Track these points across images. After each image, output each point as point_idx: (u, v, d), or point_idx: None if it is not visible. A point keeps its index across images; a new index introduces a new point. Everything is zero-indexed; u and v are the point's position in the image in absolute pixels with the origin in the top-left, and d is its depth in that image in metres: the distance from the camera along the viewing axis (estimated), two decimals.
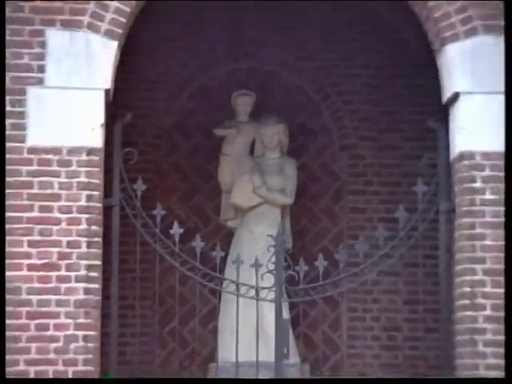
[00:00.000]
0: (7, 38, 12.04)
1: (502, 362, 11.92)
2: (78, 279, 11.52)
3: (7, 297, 11.92)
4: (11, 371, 11.91)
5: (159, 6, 13.93)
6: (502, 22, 12.24)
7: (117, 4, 12.12)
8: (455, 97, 11.95)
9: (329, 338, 15.13)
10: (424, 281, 13.66)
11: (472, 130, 11.89)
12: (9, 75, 11.82)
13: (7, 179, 11.87)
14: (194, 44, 15.44)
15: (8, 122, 11.74)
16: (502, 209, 11.85)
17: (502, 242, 11.85)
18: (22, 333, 11.72)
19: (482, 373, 12.10)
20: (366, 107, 15.61)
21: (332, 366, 15.15)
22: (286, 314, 13.28)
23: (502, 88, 12.06)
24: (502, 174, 11.85)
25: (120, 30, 11.93)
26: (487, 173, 11.72)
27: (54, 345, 11.76)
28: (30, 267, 11.58)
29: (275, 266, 12.53)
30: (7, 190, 11.84)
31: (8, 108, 11.77)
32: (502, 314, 12.05)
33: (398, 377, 9.85)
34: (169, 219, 12.61)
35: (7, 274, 11.81)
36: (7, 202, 11.82)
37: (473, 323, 11.87)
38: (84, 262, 11.52)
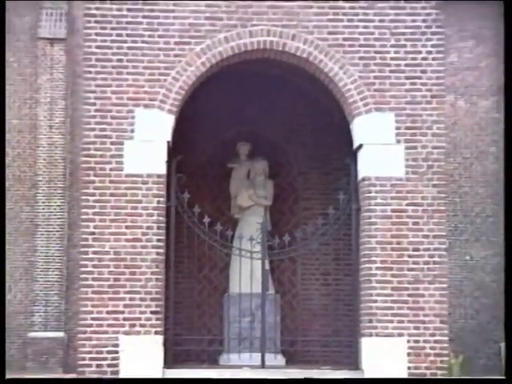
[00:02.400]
0: (113, 110, 12.85)
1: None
2: (152, 246, 12.56)
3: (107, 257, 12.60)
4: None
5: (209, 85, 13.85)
6: (391, 102, 13.05)
7: (176, 89, 12.84)
8: (360, 146, 13.01)
9: (291, 280, 15.52)
10: (343, 248, 14.45)
11: (369, 165, 12.91)
12: (114, 134, 12.75)
13: (112, 191, 12.73)
14: (220, 116, 15.37)
15: (114, 159, 12.70)
16: (388, 207, 12.81)
17: (388, 226, 12.77)
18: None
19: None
20: (311, 152, 15.88)
21: (292, 295, 15.53)
22: (267, 266, 14.09)
23: (387, 141, 12.94)
24: (387, 189, 12.82)
25: (176, 109, 12.84)
26: (378, 188, 12.78)
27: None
28: (127, 240, 12.56)
29: (261, 239, 13.73)
30: (113, 197, 12.72)
31: (113, 152, 12.73)
32: (390, 276, 12.73)
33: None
34: (202, 214, 13.37)
35: (110, 243, 12.61)
36: (114, 204, 12.70)
37: (369, 275, 12.76)
38: (155, 237, 12.59)
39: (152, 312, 12.47)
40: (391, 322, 12.56)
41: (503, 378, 6.19)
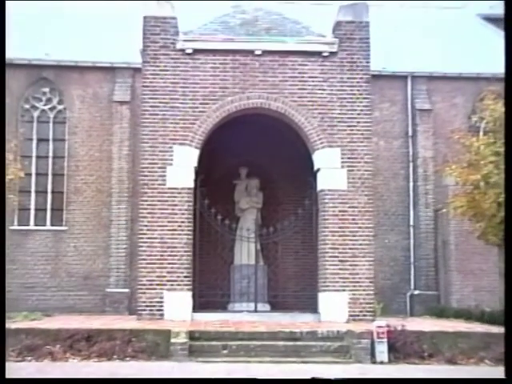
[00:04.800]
0: (158, 148, 12.88)
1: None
2: (184, 234, 12.69)
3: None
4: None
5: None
6: (338, 141, 12.95)
7: (200, 133, 12.86)
8: (318, 169, 13.12)
9: (274, 256, 15.36)
10: (310, 236, 13.87)
11: (324, 181, 13.01)
12: (160, 162, 12.81)
13: (159, 198, 12.73)
14: (228, 150, 14.56)
15: (160, 178, 12.75)
16: (336, 209, 12.81)
17: (335, 221, 12.73)
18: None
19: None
20: (287, 173, 15.33)
21: (275, 266, 15.19)
22: (258, 247, 14.28)
23: (335, 166, 12.86)
24: (335, 197, 12.82)
25: (200, 145, 12.97)
26: (329, 196, 12.90)
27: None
28: (168, 229, 12.64)
29: (255, 229, 14.05)
30: (159, 202, 12.70)
31: (160, 173, 12.79)
32: (337, 253, 12.69)
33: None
34: (216, 213, 13.28)
35: (158, 232, 12.57)
36: (160, 206, 12.68)
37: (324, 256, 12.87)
38: (186, 228, 12.73)
39: (184, 276, 12.70)
40: (338, 282, 12.78)
41: (503, 378, 5.06)
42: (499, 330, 11.14)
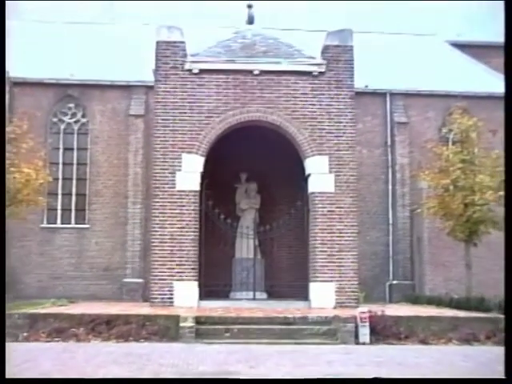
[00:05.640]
0: (169, 156, 12.70)
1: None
2: (191, 231, 12.58)
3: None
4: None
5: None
6: (326, 149, 12.74)
7: (205, 142, 12.72)
8: (309, 174, 13.06)
9: (270, 250, 14.88)
10: (302, 234, 13.49)
11: (314, 185, 12.95)
12: (170, 168, 12.66)
13: (169, 200, 12.58)
14: (230, 157, 14.04)
15: (170, 182, 12.60)
16: (325, 209, 12.71)
17: (324, 220, 12.60)
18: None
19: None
20: (281, 177, 14.64)
21: (271, 259, 14.83)
22: (256, 243, 14.14)
23: (324, 172, 12.67)
24: (324, 198, 12.72)
25: (205, 153, 12.84)
26: (319, 198, 12.82)
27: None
28: (177, 227, 12.52)
29: (253, 227, 14.00)
30: (169, 204, 12.55)
31: (170, 178, 12.66)
32: (326, 248, 12.49)
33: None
34: (220, 213, 13.25)
35: (168, 229, 12.38)
36: (170, 207, 12.49)
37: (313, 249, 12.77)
38: (193, 226, 12.64)
39: (192, 268, 12.63)
40: (326, 273, 12.73)
41: (503, 378, 4.55)
42: (465, 314, 11.37)
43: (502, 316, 10.39)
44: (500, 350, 8.52)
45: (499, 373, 6.66)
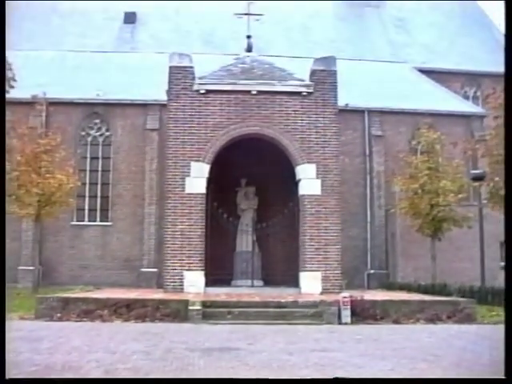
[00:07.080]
0: (174, 167, 12.42)
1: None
2: (199, 228, 12.34)
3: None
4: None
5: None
6: (314, 158, 12.44)
7: (210, 152, 12.47)
8: (299, 179, 12.83)
9: (266, 245, 14.33)
10: (293, 230, 13.12)
11: (304, 188, 12.71)
12: (180, 174, 12.38)
13: (180, 201, 12.26)
14: (232, 164, 13.47)
15: (181, 186, 12.35)
16: (313, 209, 12.43)
17: (312, 218, 12.33)
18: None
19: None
20: (276, 182, 14.07)
21: (267, 252, 14.21)
22: (254, 238, 13.90)
23: (312, 177, 12.41)
24: (312, 200, 12.44)
25: (211, 161, 12.62)
26: (308, 200, 12.58)
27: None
28: (187, 224, 12.25)
29: (252, 225, 13.81)
30: (180, 204, 12.26)
31: (180, 182, 12.38)
32: (314, 242, 12.23)
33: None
34: (223, 213, 13.12)
35: (179, 226, 12.12)
36: (180, 207, 12.19)
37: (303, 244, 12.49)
38: (200, 224, 12.38)
39: (199, 260, 12.47)
40: (314, 264, 12.55)
41: (503, 378, 3.98)
42: (430, 298, 11.38)
43: (461, 299, 10.85)
44: (459, 328, 9.04)
45: (456, 347, 7.00)
